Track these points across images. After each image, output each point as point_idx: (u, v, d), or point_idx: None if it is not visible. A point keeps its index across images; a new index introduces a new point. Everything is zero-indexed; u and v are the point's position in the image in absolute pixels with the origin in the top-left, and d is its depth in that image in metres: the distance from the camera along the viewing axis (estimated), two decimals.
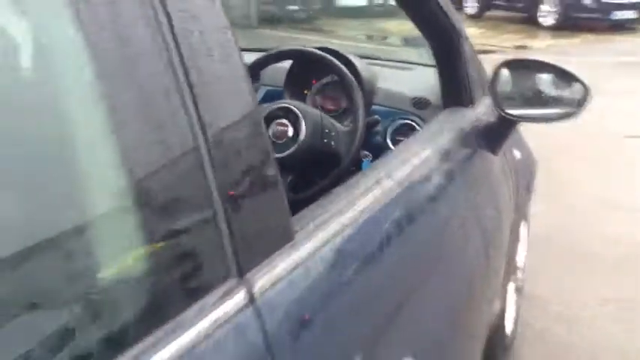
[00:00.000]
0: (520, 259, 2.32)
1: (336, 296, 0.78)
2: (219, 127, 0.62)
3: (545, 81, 1.46)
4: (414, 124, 1.68)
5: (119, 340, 0.51)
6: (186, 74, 0.59)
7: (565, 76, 1.45)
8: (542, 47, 9.74)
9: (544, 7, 11.51)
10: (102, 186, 0.54)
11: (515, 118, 1.45)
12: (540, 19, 11.51)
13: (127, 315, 0.53)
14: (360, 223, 0.87)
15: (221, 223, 0.61)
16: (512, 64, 1.48)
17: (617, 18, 11.09)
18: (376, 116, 1.57)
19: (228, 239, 0.61)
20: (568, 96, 1.44)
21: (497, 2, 12.63)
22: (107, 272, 0.53)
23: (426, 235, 1.12)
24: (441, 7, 1.41)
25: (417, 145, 1.29)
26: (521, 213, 2.13)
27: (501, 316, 2.09)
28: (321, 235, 0.78)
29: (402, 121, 1.69)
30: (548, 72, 1.46)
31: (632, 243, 3.14)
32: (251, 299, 0.63)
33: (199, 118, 0.60)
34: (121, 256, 0.55)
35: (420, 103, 1.70)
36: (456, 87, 1.53)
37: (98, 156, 0.54)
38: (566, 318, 2.52)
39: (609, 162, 4.39)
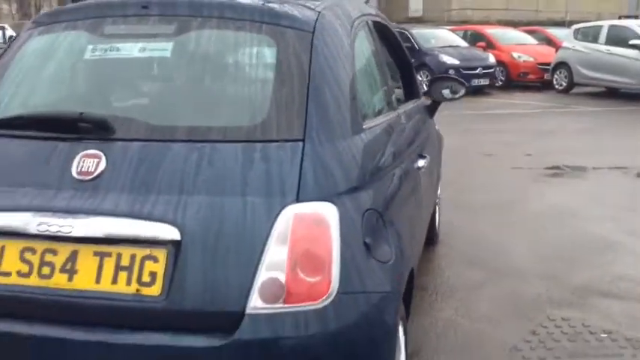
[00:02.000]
0: (439, 189, 4.36)
1: (399, 120, 2.77)
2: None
3: (449, 85, 3.54)
4: None
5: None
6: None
7: (457, 82, 3.54)
8: None
9: (417, 77, 14.32)
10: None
11: (441, 100, 3.52)
12: None
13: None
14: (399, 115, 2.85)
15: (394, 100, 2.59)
16: (437, 78, 3.56)
17: (475, 84, 14.05)
18: None
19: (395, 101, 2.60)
20: (458, 90, 3.53)
21: None
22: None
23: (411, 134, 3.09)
24: (407, 57, 3.45)
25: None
26: (440, 163, 4.19)
27: (434, 212, 4.08)
28: (400, 110, 2.78)
29: None
30: (451, 80, 3.55)
31: (492, 200, 5.35)
32: (398, 115, 2.59)
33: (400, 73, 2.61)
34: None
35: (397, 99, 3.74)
36: (412, 91, 3.55)
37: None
38: (467, 225, 4.60)
39: (475, 167, 6.72)
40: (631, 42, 12.76)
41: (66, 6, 2.19)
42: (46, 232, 1.65)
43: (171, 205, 1.65)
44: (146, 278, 1.62)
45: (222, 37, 1.99)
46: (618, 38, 13.21)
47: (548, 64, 14.65)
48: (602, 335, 3.05)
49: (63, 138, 1.79)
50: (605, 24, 14.06)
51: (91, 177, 1.72)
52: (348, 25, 2.20)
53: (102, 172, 1.72)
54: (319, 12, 2.06)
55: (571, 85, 14.14)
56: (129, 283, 1.62)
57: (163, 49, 1.96)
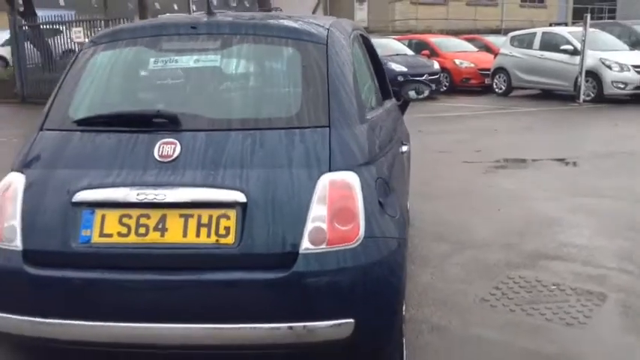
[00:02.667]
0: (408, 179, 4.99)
1: (384, 115, 3.37)
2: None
3: (417, 86, 4.17)
4: None
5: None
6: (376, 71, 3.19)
7: (424, 84, 4.18)
8: None
9: None
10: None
11: (410, 100, 4.14)
12: None
13: None
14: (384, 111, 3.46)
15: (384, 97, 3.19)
16: (406, 81, 4.19)
17: None
18: None
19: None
20: (424, 91, 4.16)
21: None
22: None
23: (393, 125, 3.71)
24: (381, 63, 4.06)
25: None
26: (409, 155, 4.81)
27: (406, 200, 4.69)
28: (385, 106, 3.38)
29: None
30: (418, 82, 4.19)
31: (450, 189, 6.02)
32: (384, 110, 3.19)
33: (376, 78, 3.19)
34: None
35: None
36: (386, 92, 4.16)
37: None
38: (431, 210, 5.25)
39: (431, 162, 7.41)
40: (562, 47, 13.84)
41: (123, 26, 2.70)
42: (144, 200, 2.16)
43: (236, 176, 2.19)
44: (222, 231, 2.15)
45: (258, 50, 2.55)
46: (551, 44, 14.29)
47: (488, 70, 15.61)
48: (552, 287, 3.72)
49: (144, 130, 2.31)
50: (539, 31, 15.16)
51: (170, 159, 2.24)
52: (347, 37, 2.80)
53: (179, 155, 2.24)
54: (328, 28, 2.65)
55: (510, 88, 15.14)
56: (209, 235, 2.15)
57: (214, 60, 2.51)
